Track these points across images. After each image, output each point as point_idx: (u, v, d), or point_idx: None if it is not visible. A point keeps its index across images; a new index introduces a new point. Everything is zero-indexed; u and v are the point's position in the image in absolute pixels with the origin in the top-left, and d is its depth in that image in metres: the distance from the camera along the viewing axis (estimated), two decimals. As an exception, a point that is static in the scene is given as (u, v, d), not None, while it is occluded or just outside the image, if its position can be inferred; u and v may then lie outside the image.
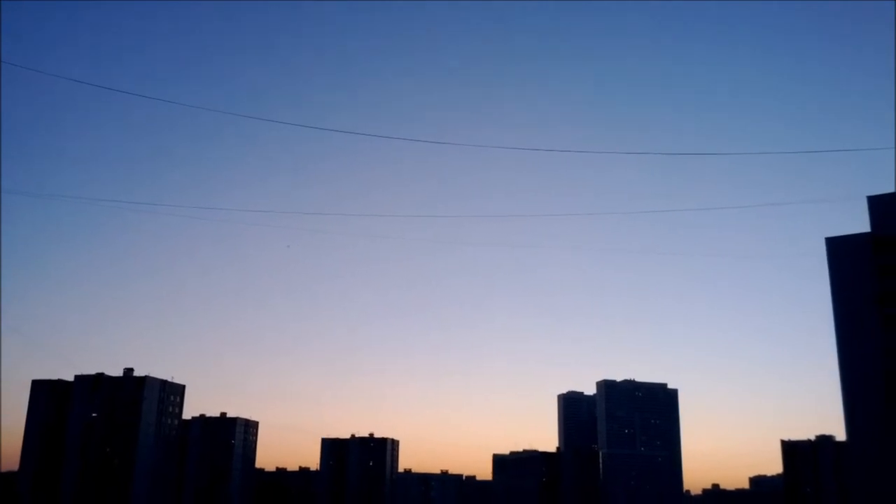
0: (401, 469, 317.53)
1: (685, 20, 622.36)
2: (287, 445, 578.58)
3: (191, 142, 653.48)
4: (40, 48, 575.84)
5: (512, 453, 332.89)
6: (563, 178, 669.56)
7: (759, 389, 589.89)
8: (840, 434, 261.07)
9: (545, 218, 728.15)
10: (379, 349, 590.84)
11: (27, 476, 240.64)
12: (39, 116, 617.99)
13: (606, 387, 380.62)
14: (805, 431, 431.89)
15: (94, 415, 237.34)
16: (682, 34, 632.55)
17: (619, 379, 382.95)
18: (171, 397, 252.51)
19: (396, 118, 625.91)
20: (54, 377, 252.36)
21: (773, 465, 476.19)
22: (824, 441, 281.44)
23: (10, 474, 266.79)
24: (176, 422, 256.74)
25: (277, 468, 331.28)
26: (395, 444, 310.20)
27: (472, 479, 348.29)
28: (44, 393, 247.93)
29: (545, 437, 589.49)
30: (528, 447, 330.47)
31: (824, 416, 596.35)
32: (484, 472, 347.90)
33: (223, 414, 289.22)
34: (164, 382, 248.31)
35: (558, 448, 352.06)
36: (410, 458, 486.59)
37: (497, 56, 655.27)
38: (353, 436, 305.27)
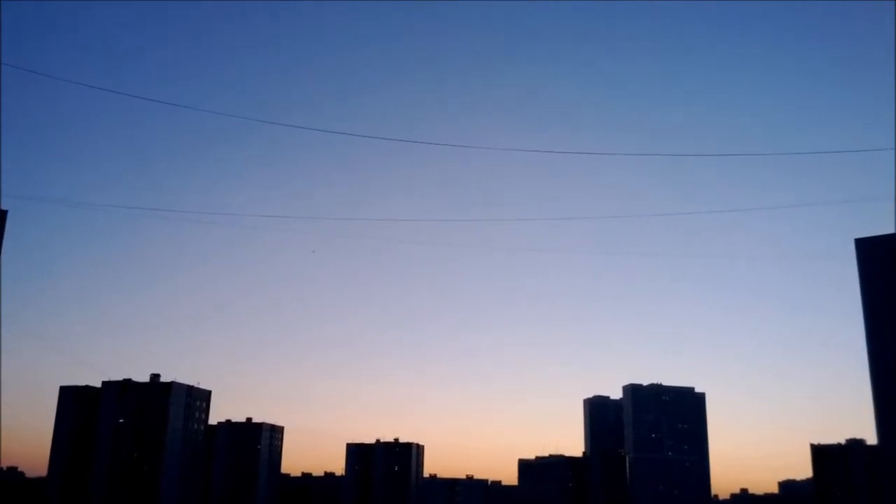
0: (426, 474, 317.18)
1: (706, 20, 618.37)
2: (312, 450, 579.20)
3: (213, 147, 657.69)
4: (51, 52, 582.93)
5: (538, 458, 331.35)
6: (590, 181, 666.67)
7: (788, 392, 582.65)
8: (871, 438, 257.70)
9: (571, 221, 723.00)
10: (404, 354, 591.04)
11: (56, 482, 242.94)
12: (59, 122, 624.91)
13: (633, 391, 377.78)
14: (835, 435, 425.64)
15: (121, 420, 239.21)
16: (702, 33, 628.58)
17: (645, 383, 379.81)
18: (198, 403, 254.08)
19: (412, 122, 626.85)
20: (82, 383, 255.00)
21: (802, 469, 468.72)
22: (855, 445, 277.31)
23: (38, 480, 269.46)
24: (202, 427, 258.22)
25: (303, 473, 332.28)
26: (420, 449, 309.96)
27: (497, 484, 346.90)
28: (72, 399, 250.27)
29: (571, 441, 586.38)
30: (554, 452, 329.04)
31: (855, 420, 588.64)
32: (510, 477, 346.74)
33: (249, 419, 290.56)
34: (190, 388, 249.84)
35: (585, 453, 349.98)
36: (436, 464, 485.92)
37: (503, 58, 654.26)
38: (378, 441, 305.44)
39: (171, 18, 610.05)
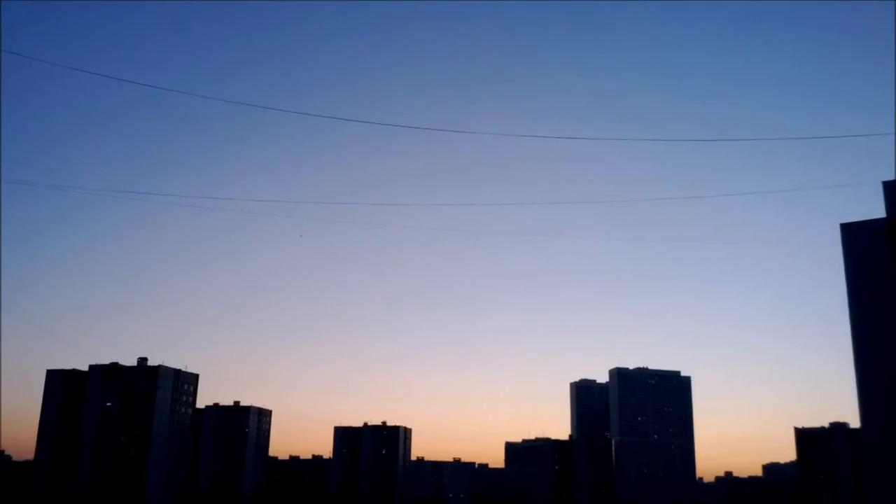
0: (413, 457, 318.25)
1: (700, 11, 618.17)
2: (300, 433, 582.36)
3: (205, 133, 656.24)
4: (55, 41, 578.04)
5: (524, 441, 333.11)
6: (576, 168, 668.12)
7: (773, 377, 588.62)
8: (854, 421, 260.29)
9: (559, 207, 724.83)
10: (392, 338, 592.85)
11: (42, 465, 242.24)
12: (55, 109, 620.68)
13: (619, 374, 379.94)
14: (819, 419, 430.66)
15: (108, 404, 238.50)
16: (696, 24, 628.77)
17: (631, 367, 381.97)
18: (185, 386, 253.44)
19: (409, 108, 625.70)
20: (69, 367, 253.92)
21: (786, 452, 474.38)
22: (838, 428, 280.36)
23: (25, 463, 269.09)
24: (190, 410, 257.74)
25: (291, 456, 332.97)
26: (407, 432, 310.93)
27: (484, 466, 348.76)
28: (59, 382, 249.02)
29: (558, 425, 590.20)
30: (540, 435, 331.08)
31: (838, 404, 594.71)
32: (496, 460, 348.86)
33: (237, 402, 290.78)
34: (177, 371, 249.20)
35: (571, 436, 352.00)
36: (423, 446, 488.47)
37: (505, 50, 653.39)
38: (365, 424, 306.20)
39: (168, 6, 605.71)
